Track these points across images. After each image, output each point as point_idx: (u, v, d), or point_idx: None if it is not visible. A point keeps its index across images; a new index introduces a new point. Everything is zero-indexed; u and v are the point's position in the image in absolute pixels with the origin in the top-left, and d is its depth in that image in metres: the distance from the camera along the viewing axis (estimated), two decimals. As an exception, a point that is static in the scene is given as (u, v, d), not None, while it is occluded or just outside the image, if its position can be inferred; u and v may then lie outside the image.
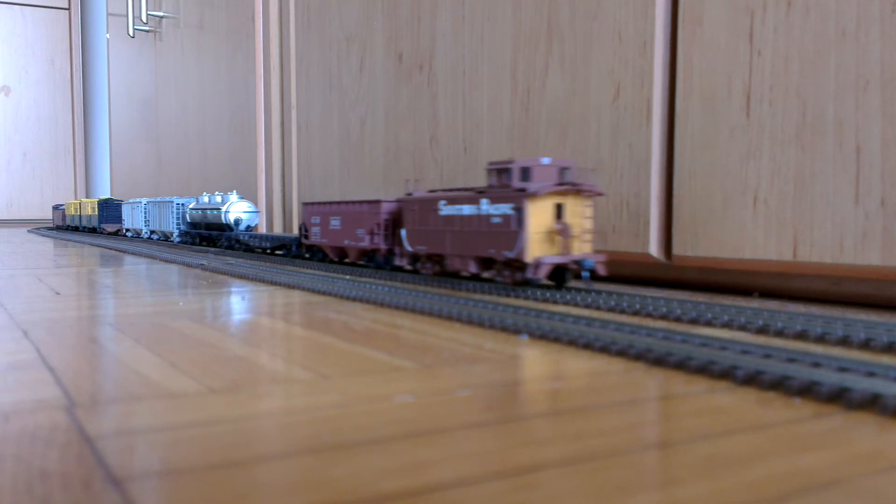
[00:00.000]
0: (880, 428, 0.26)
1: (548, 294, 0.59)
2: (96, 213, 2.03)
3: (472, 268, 0.65)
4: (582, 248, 0.60)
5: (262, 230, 1.46)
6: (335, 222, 0.87)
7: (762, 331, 0.44)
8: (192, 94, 1.83)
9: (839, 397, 0.29)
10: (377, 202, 0.79)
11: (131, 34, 2.13)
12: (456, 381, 0.33)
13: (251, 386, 0.32)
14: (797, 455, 0.23)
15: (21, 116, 3.55)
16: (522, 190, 0.59)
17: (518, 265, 0.60)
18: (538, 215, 0.58)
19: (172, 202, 1.43)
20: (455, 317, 0.50)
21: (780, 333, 0.44)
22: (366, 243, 0.80)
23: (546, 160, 0.60)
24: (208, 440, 0.25)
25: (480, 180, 0.90)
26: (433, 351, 0.40)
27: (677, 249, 0.67)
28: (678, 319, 0.49)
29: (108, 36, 2.61)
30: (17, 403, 0.29)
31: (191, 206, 1.36)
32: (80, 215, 2.24)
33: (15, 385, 0.32)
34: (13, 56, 3.53)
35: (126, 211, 1.72)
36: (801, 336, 0.43)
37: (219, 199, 1.25)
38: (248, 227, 1.23)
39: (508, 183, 0.61)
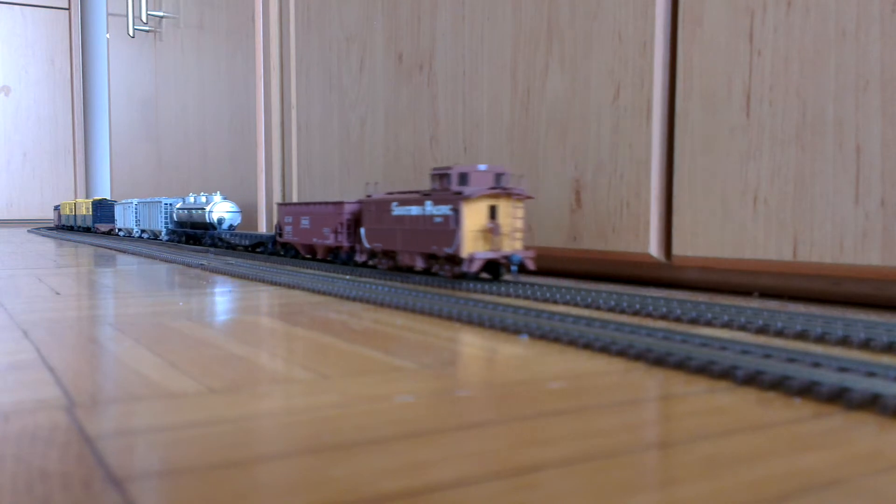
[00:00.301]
0: (880, 428, 0.26)
1: (548, 294, 0.59)
2: (90, 213, 2.09)
3: (420, 263, 0.72)
4: (512, 245, 0.67)
5: (262, 230, 1.47)
6: (305, 222, 0.93)
7: (762, 331, 0.44)
8: (192, 94, 1.83)
9: (839, 397, 0.29)
10: (340, 203, 0.85)
11: (131, 34, 2.13)
12: (456, 381, 0.33)
13: (251, 386, 0.32)
14: (797, 455, 0.23)
15: (21, 116, 3.55)
16: (459, 193, 0.65)
17: (456, 260, 0.67)
18: (473, 216, 0.65)
19: (161, 202, 1.48)
20: (455, 317, 0.50)
21: (780, 333, 0.44)
22: (331, 241, 0.87)
23: (483, 167, 0.67)
24: (208, 440, 0.25)
25: (480, 180, 0.90)
26: (433, 351, 0.40)
27: (677, 249, 0.67)
28: (678, 319, 0.49)
29: (108, 36, 2.61)
30: (17, 403, 0.29)
31: (177, 206, 1.41)
32: (74, 215, 2.28)
33: (15, 385, 0.32)
34: (13, 56, 3.53)
35: (118, 211, 1.79)
36: (801, 336, 0.43)
37: (203, 199, 1.30)
38: (231, 227, 1.29)
39: (448, 187, 0.68)
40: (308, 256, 0.96)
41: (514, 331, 0.45)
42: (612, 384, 0.33)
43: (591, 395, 0.31)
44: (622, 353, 0.38)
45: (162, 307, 0.57)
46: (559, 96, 0.79)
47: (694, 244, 0.66)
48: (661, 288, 0.70)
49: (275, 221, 1.40)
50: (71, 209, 2.33)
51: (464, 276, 0.68)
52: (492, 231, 0.65)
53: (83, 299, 0.62)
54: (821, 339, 0.42)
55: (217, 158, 1.69)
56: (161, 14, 2.02)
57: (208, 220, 1.28)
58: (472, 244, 0.65)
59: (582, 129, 0.76)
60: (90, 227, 2.08)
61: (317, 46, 1.27)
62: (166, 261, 1.06)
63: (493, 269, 0.69)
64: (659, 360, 0.36)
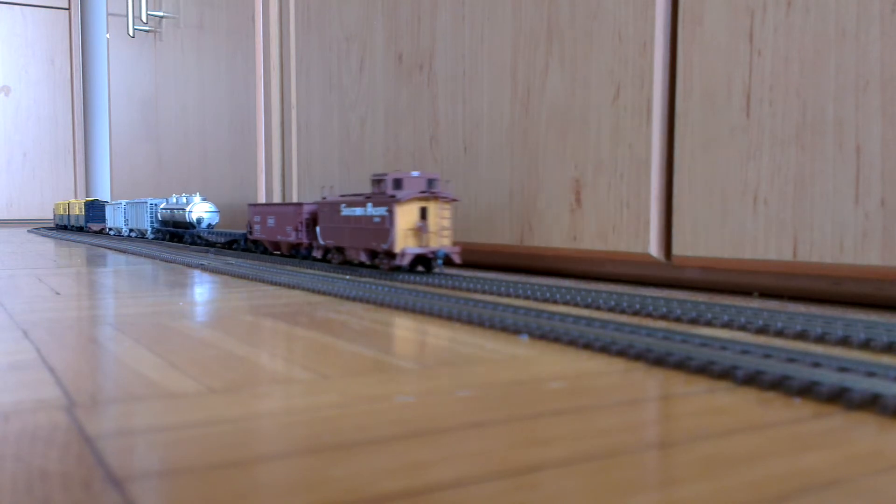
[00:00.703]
0: (880, 428, 0.26)
1: (548, 294, 0.59)
2: (83, 213, 2.18)
3: (364, 257, 0.81)
4: (439, 242, 0.76)
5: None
6: (271, 221, 1.02)
7: (762, 331, 0.44)
8: (192, 94, 1.84)
9: (839, 397, 0.29)
10: (300, 205, 0.94)
11: (131, 34, 2.13)
12: (456, 381, 0.33)
13: (251, 386, 0.32)
14: (797, 455, 0.23)
15: (21, 116, 3.55)
16: (393, 196, 0.74)
17: (391, 255, 0.76)
18: (405, 216, 0.74)
19: (146, 203, 1.57)
20: (455, 317, 0.50)
21: (780, 333, 0.44)
22: (293, 238, 0.96)
23: (416, 173, 0.76)
24: (208, 440, 0.25)
25: (480, 180, 0.90)
26: (433, 351, 0.40)
27: (677, 249, 0.67)
28: (678, 319, 0.49)
29: (108, 36, 2.61)
30: (17, 403, 0.29)
31: (161, 206, 1.50)
32: (68, 215, 2.38)
33: (15, 385, 0.32)
34: (13, 56, 3.53)
35: (109, 211, 1.88)
36: (801, 336, 0.43)
37: (184, 200, 1.39)
38: (210, 225, 1.37)
39: (385, 191, 0.77)
40: (275, 252, 1.05)
41: (514, 331, 0.45)
42: (612, 384, 0.33)
43: (591, 395, 0.31)
44: (622, 353, 0.38)
45: (162, 307, 0.57)
46: (559, 96, 0.79)
47: (694, 244, 0.66)
48: (661, 288, 0.70)
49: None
50: (65, 209, 2.41)
51: (398, 269, 0.77)
52: (420, 230, 0.74)
53: (83, 299, 0.62)
54: (821, 339, 0.42)
55: (217, 158, 1.69)
56: (161, 14, 2.02)
57: (188, 220, 1.36)
58: (404, 241, 0.74)
59: (582, 129, 0.76)
60: (83, 226, 2.17)
61: (317, 46, 1.27)
62: (166, 261, 1.06)
63: (427, 263, 0.78)
64: (659, 360, 0.36)
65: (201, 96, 1.77)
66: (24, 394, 0.31)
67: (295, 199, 1.35)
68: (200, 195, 1.47)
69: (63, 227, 2.45)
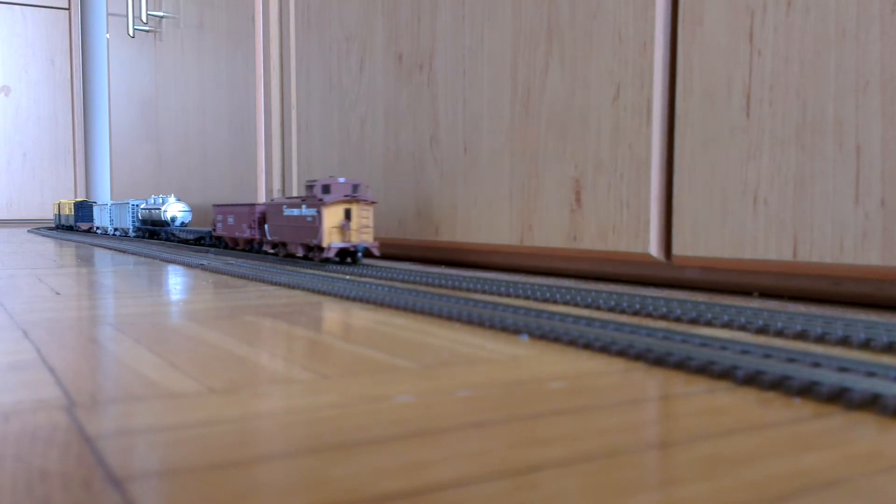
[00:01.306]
0: (880, 428, 0.26)
1: (548, 294, 0.59)
2: (73, 213, 2.34)
3: (300, 251, 0.94)
4: (361, 238, 0.89)
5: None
6: (231, 219, 1.16)
7: (762, 331, 0.44)
8: (192, 94, 1.83)
9: (839, 397, 0.29)
10: (253, 205, 1.07)
11: (131, 34, 2.13)
12: (456, 381, 0.33)
13: (251, 386, 0.32)
14: (797, 455, 0.23)
15: (21, 116, 3.55)
16: (321, 200, 0.87)
17: (320, 248, 0.89)
18: (331, 216, 0.88)
19: (128, 204, 1.71)
20: (455, 317, 0.50)
21: (780, 333, 0.44)
22: (247, 234, 1.10)
23: (342, 179, 0.90)
24: (208, 440, 0.25)
25: (480, 180, 0.90)
26: (433, 351, 0.40)
27: (677, 249, 0.67)
28: (678, 319, 0.49)
29: (108, 36, 2.61)
30: (17, 403, 0.29)
31: (141, 206, 1.65)
32: (59, 214, 2.54)
33: (15, 385, 0.32)
34: (13, 56, 3.53)
35: (96, 211, 2.04)
36: (801, 336, 0.43)
37: (160, 200, 1.53)
38: (183, 223, 1.51)
39: (315, 195, 0.90)
40: (235, 247, 1.17)
41: (515, 331, 0.45)
42: (612, 384, 0.33)
43: (591, 395, 0.31)
44: (622, 353, 0.38)
45: (162, 307, 0.57)
46: (559, 96, 0.79)
47: (694, 244, 0.66)
48: (661, 288, 0.70)
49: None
50: (57, 209, 2.57)
51: (327, 261, 0.91)
52: (343, 228, 0.88)
53: (83, 299, 0.62)
54: (821, 339, 0.42)
55: (217, 158, 1.69)
56: (161, 14, 2.02)
57: (163, 218, 1.51)
58: (330, 237, 0.88)
59: (582, 129, 0.76)
60: (73, 225, 2.34)
61: (317, 46, 1.27)
62: (166, 261, 1.06)
63: (351, 255, 0.91)
64: (659, 360, 0.36)
65: (201, 96, 1.77)
66: (24, 394, 0.31)
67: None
68: (175, 196, 1.60)
69: (58, 227, 2.59)
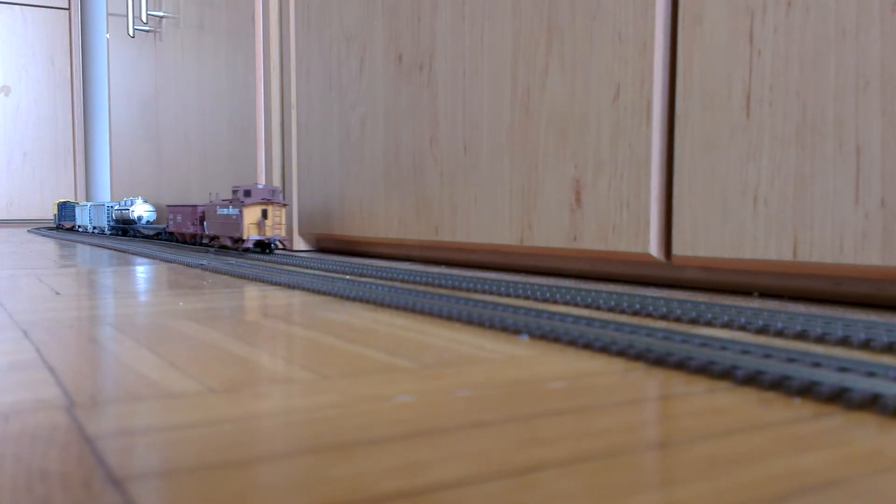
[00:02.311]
0: (880, 428, 0.26)
1: (548, 294, 0.59)
2: (56, 213, 2.59)
3: (228, 243, 1.17)
4: (274, 232, 1.13)
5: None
6: (179, 218, 1.38)
7: (762, 331, 0.44)
8: (192, 94, 1.83)
9: (839, 397, 0.29)
10: (195, 206, 1.30)
11: (131, 34, 2.13)
12: (456, 381, 0.33)
13: (251, 386, 0.32)
14: (797, 455, 0.23)
15: (21, 116, 3.55)
16: (242, 202, 1.11)
17: (241, 241, 1.12)
18: (250, 215, 1.11)
19: (104, 205, 1.95)
20: (455, 317, 0.50)
21: (780, 333, 0.44)
22: (191, 230, 1.33)
23: (261, 185, 1.12)
24: (208, 440, 0.25)
25: (480, 180, 0.90)
26: (433, 351, 0.40)
27: (677, 249, 0.67)
28: (678, 319, 0.49)
29: (108, 36, 2.61)
30: (17, 403, 0.29)
31: (115, 207, 1.89)
32: (57, 214, 2.76)
33: (15, 385, 0.32)
34: (13, 56, 3.53)
35: (78, 211, 2.29)
36: (801, 336, 0.43)
37: (129, 202, 1.80)
38: (148, 222, 1.77)
39: (239, 197, 1.13)
40: (182, 241, 1.41)
41: (514, 331, 0.45)
42: (612, 384, 0.33)
43: (591, 395, 0.31)
44: (622, 353, 0.38)
45: (162, 307, 0.57)
46: (559, 96, 0.79)
47: (694, 244, 0.66)
48: (661, 288, 0.70)
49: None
50: (56, 209, 2.78)
51: (248, 251, 1.12)
52: (259, 224, 1.11)
53: (83, 299, 0.62)
54: (821, 339, 0.42)
55: (217, 158, 1.69)
56: (161, 14, 2.02)
57: (132, 217, 1.77)
58: (249, 231, 1.11)
59: (582, 129, 0.76)
60: (57, 224, 2.59)
61: (317, 46, 1.27)
62: (166, 260, 1.06)
63: (266, 246, 1.13)
64: (659, 360, 0.36)
65: (201, 96, 1.77)
66: (24, 394, 0.31)
67: (295, 199, 1.36)
68: (142, 199, 1.87)
69: (59, 227, 2.74)
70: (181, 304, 0.59)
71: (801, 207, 0.58)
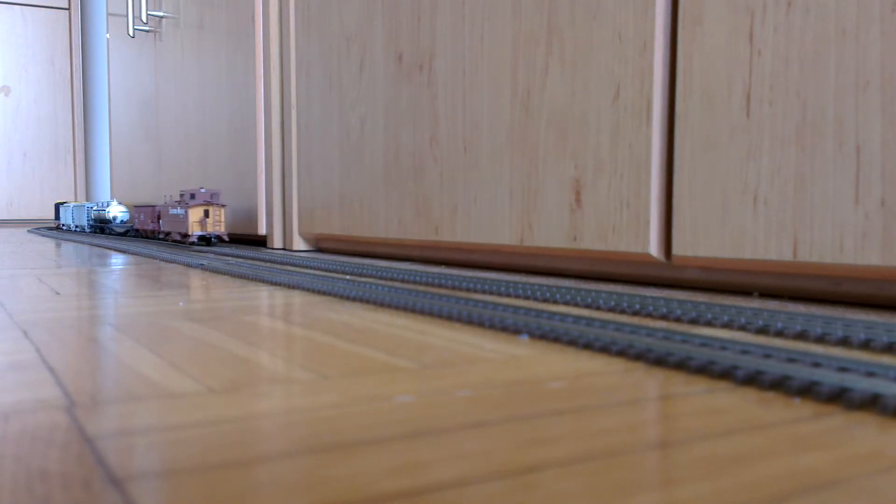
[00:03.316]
0: (880, 428, 0.26)
1: (548, 294, 0.59)
2: (55, 213, 2.72)
3: (177, 237, 1.40)
4: (214, 229, 1.35)
5: (262, 230, 1.47)
6: (142, 216, 1.64)
7: (762, 331, 0.44)
8: (192, 94, 1.83)
9: (839, 397, 0.29)
10: (154, 206, 1.56)
11: (131, 34, 2.13)
12: (456, 381, 0.33)
13: (251, 386, 0.32)
14: (797, 455, 0.23)
15: (21, 116, 3.55)
16: (187, 203, 1.34)
17: (187, 236, 1.35)
18: (194, 215, 1.35)
19: (84, 206, 2.16)
20: (455, 317, 0.50)
21: (780, 333, 0.44)
22: (151, 227, 1.57)
23: (203, 190, 1.35)
24: (208, 440, 0.25)
25: (480, 180, 0.90)
26: (433, 351, 0.40)
27: (677, 249, 0.67)
28: (678, 319, 0.49)
29: (108, 36, 2.61)
30: (17, 403, 0.29)
31: (94, 208, 2.09)
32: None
33: (15, 385, 0.32)
34: (13, 56, 3.53)
35: (63, 211, 2.50)
36: (801, 336, 0.43)
37: (105, 203, 2.02)
38: (122, 221, 1.96)
39: (185, 200, 1.36)
40: (144, 237, 1.66)
41: (514, 331, 0.45)
42: (612, 384, 0.33)
43: (591, 395, 0.31)
44: (622, 353, 0.38)
45: (162, 307, 0.57)
46: (559, 96, 0.79)
47: (694, 244, 0.66)
48: (661, 288, 0.70)
49: (275, 219, 1.44)
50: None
51: (193, 244, 1.35)
52: (201, 222, 1.34)
53: (83, 299, 0.62)
54: (821, 339, 0.42)
55: (217, 159, 1.69)
56: (161, 14, 2.02)
57: (108, 217, 1.99)
58: (193, 228, 1.35)
59: (582, 129, 0.76)
60: (57, 224, 2.75)
61: (317, 46, 1.27)
62: (166, 260, 1.06)
63: (207, 240, 1.36)
64: (659, 360, 0.36)
65: (201, 96, 1.77)
66: (24, 394, 0.31)
67: (295, 199, 1.36)
68: (116, 200, 2.10)
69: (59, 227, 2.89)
70: (181, 303, 0.59)
71: (801, 207, 0.58)
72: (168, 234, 1.46)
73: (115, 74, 2.55)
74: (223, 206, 1.36)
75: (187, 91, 1.86)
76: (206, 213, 1.33)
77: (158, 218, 1.51)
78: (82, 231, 2.19)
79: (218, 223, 1.34)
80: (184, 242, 1.38)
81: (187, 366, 0.36)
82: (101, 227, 2.02)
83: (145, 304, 0.59)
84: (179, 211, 1.37)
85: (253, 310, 0.56)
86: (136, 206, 1.69)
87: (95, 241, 1.60)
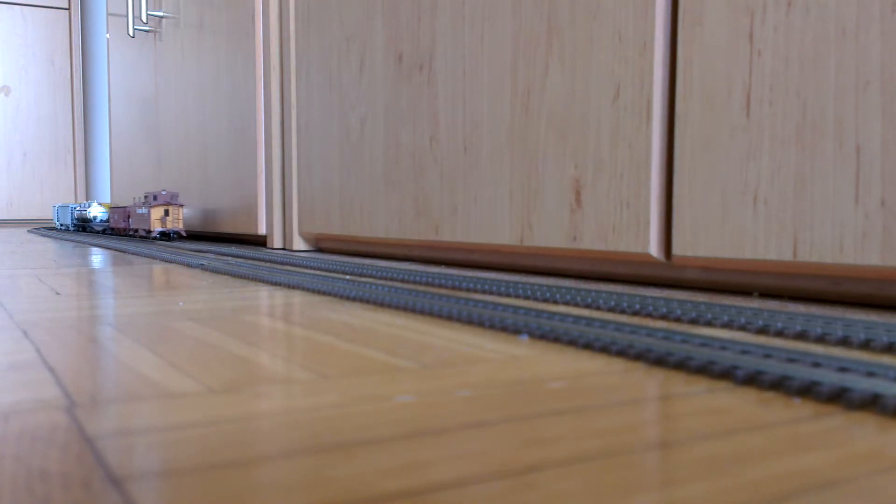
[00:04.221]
0: (880, 428, 0.26)
1: (548, 294, 0.59)
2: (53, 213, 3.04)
3: (143, 233, 1.59)
4: (174, 225, 1.57)
5: (262, 230, 1.47)
6: (116, 216, 1.89)
7: (762, 331, 0.44)
8: (192, 94, 1.83)
9: (839, 397, 0.29)
10: (125, 207, 1.78)
11: (131, 34, 2.13)
12: (456, 381, 0.33)
13: (251, 386, 0.32)
14: (797, 455, 0.23)
15: (21, 116, 3.55)
16: (150, 204, 1.55)
17: (150, 231, 1.56)
18: (155, 213, 1.56)
19: (69, 206, 2.37)
20: (455, 317, 0.50)
21: (780, 333, 0.44)
22: (123, 225, 1.81)
23: (164, 192, 1.58)
24: (208, 440, 0.25)
25: (480, 180, 0.90)
26: (433, 351, 0.40)
27: (677, 249, 0.67)
28: (678, 319, 0.49)
29: (108, 36, 2.61)
30: (17, 403, 0.29)
31: (77, 208, 2.30)
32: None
33: (15, 385, 0.32)
34: (13, 56, 3.53)
35: (52, 211, 2.84)
36: (801, 336, 0.43)
37: (87, 203, 2.21)
38: (102, 221, 2.15)
39: (148, 201, 1.57)
40: (118, 234, 1.90)
41: (514, 331, 0.45)
42: (612, 384, 0.33)
43: (591, 395, 0.31)
44: (622, 353, 0.38)
45: (162, 307, 0.57)
46: (559, 96, 0.79)
47: (694, 244, 0.66)
48: (661, 288, 0.70)
49: (275, 219, 1.44)
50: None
51: (155, 239, 1.56)
52: (162, 219, 1.56)
53: (83, 299, 0.62)
54: (821, 339, 0.42)
55: (217, 158, 1.69)
56: (161, 14, 2.02)
57: (88, 217, 2.19)
58: (154, 225, 1.56)
59: (582, 129, 0.76)
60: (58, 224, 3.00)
61: (317, 46, 1.27)
62: (166, 260, 1.06)
63: (168, 236, 1.58)
64: (659, 360, 0.36)
65: (201, 96, 1.77)
66: (24, 394, 0.31)
67: (295, 199, 1.36)
68: (97, 202, 2.35)
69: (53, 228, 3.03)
70: (181, 303, 0.59)
71: (801, 207, 0.58)
72: (136, 230, 1.69)
73: (115, 74, 2.55)
74: (181, 205, 1.59)
75: (187, 91, 1.86)
76: (167, 213, 1.56)
77: (128, 217, 1.74)
78: (67, 229, 2.43)
79: (176, 221, 1.58)
80: (147, 237, 1.59)
81: (187, 366, 0.36)
82: (83, 225, 2.24)
83: (145, 304, 0.59)
84: (144, 210, 1.60)
85: (253, 310, 0.56)
86: (111, 207, 1.99)
87: (77, 238, 1.82)
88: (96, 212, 2.17)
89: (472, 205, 0.92)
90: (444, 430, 0.26)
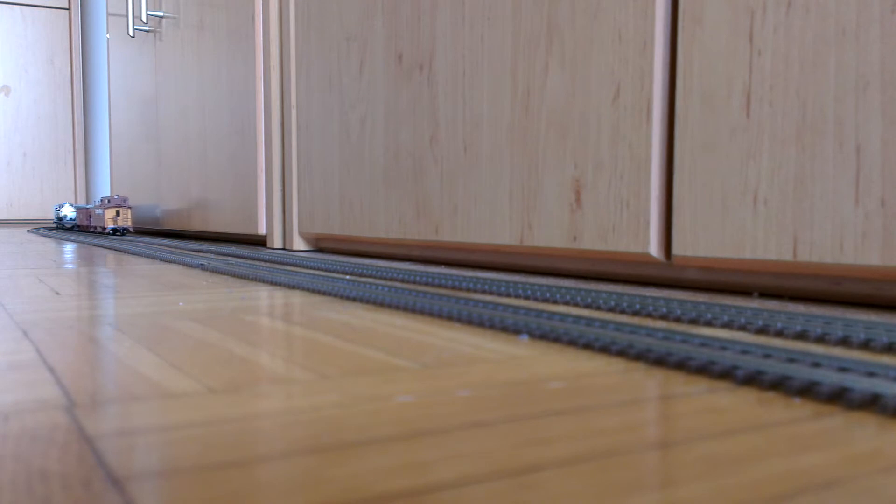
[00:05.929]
0: (880, 428, 0.26)
1: (548, 294, 0.59)
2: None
3: (100, 230, 1.94)
4: (124, 223, 1.94)
5: (262, 230, 1.47)
6: (81, 216, 2.18)
7: (762, 331, 0.44)
8: (192, 94, 1.83)
9: (839, 397, 0.29)
10: (88, 207, 2.08)
11: (131, 34, 2.13)
12: (456, 381, 0.33)
13: (251, 386, 0.32)
14: (797, 455, 0.23)
15: (21, 116, 3.55)
16: (104, 206, 1.91)
17: (104, 228, 1.93)
18: (108, 213, 1.93)
19: (54, 207, 2.81)
20: (455, 317, 0.50)
21: (780, 333, 0.44)
22: (86, 223, 2.12)
23: (116, 196, 1.95)
24: (208, 440, 0.25)
25: (480, 180, 0.90)
26: (433, 351, 0.40)
27: (677, 249, 0.67)
28: (678, 319, 0.49)
29: (108, 36, 2.61)
30: (17, 403, 0.29)
31: (58, 208, 2.58)
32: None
33: (15, 385, 0.32)
34: (13, 56, 3.53)
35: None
36: (801, 336, 0.43)
37: (60, 205, 2.53)
38: (71, 219, 2.47)
39: (104, 203, 1.91)
40: (82, 231, 2.18)
41: (514, 331, 0.45)
42: (612, 384, 0.33)
43: (591, 395, 0.31)
44: (622, 353, 0.38)
45: (162, 307, 0.57)
46: (559, 96, 0.79)
47: (694, 244, 0.66)
48: (661, 288, 0.70)
49: (275, 219, 1.43)
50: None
51: (109, 234, 1.91)
52: (114, 217, 1.90)
53: (83, 299, 0.62)
54: (821, 339, 0.42)
55: (217, 158, 1.69)
56: (161, 14, 2.02)
57: (61, 216, 2.51)
58: (108, 223, 1.90)
59: (582, 129, 0.76)
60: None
61: (317, 46, 1.27)
62: (166, 260, 1.06)
63: (119, 232, 1.89)
64: (659, 360, 0.36)
65: (201, 96, 1.77)
66: (24, 394, 0.31)
67: (295, 199, 1.36)
68: (69, 203, 2.73)
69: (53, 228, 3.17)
70: (181, 303, 0.59)
71: (801, 207, 0.58)
72: (94, 227, 2.03)
73: (115, 74, 2.55)
74: (130, 207, 1.96)
75: (187, 91, 1.86)
76: (118, 213, 1.93)
77: (90, 216, 2.09)
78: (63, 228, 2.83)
79: (126, 219, 1.95)
80: (103, 233, 1.96)
81: (187, 366, 0.36)
82: (59, 223, 2.62)
83: (145, 304, 0.59)
84: (100, 211, 1.96)
85: (253, 310, 0.56)
86: (77, 208, 2.33)
87: (58, 235, 2.08)
88: (67, 211, 2.57)
89: (471, 205, 0.92)
90: (443, 430, 0.26)
